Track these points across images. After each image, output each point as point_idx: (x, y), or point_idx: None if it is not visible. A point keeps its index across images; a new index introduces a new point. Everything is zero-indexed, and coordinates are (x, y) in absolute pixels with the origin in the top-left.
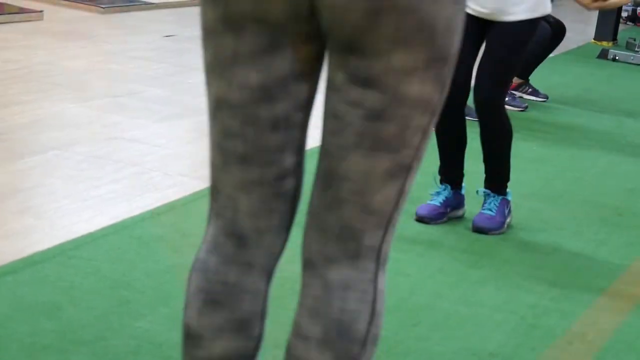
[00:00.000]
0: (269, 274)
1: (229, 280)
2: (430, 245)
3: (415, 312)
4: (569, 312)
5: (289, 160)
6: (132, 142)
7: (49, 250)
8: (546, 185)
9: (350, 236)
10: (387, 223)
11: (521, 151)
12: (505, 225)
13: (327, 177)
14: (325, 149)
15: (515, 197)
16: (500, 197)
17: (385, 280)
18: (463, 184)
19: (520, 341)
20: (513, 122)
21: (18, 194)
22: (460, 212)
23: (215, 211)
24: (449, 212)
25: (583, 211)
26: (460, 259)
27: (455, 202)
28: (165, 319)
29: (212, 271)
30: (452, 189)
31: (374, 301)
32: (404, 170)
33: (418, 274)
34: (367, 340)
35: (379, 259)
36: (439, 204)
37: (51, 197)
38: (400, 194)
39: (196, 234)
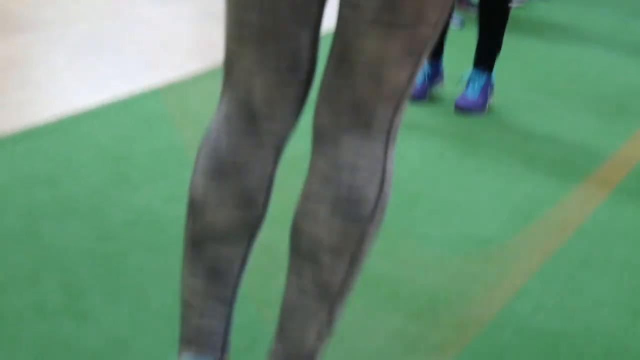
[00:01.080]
0: (277, 151)
1: (238, 153)
2: (429, 133)
3: (412, 197)
4: (565, 202)
5: (304, 38)
6: (135, 22)
7: (48, 124)
8: (547, 80)
9: (362, 110)
10: (399, 99)
11: (523, 48)
12: (487, 107)
13: (341, 54)
14: (340, 28)
15: (515, 91)
16: (484, 78)
17: (394, 159)
18: (442, 56)
19: (515, 229)
20: (517, 21)
21: (18, 67)
22: (438, 85)
23: (229, 87)
24: (430, 86)
25: (582, 106)
26: (458, 146)
27: (434, 74)
28: (164, 195)
29: (223, 143)
30: (431, 61)
31: (382, 177)
32: (420, 48)
33: (416, 160)
34: (374, 214)
35: (389, 134)
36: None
37: (52, 71)
38: (414, 71)
39: (196, 113)
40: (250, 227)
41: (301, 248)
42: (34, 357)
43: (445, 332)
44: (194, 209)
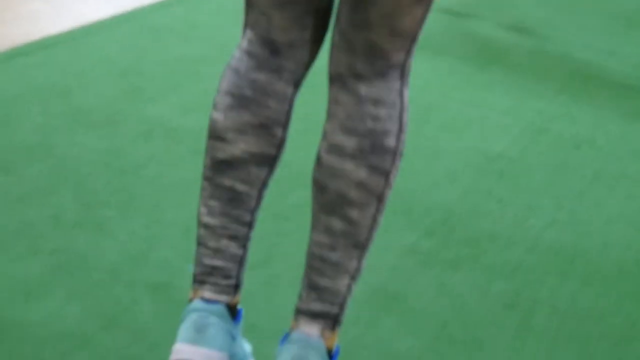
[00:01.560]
0: (297, 83)
1: (258, 82)
2: (439, 50)
3: (423, 113)
4: (577, 118)
5: None
6: None
7: (58, 35)
8: None
9: (377, 54)
10: (411, 42)
11: None
12: None
13: (355, 2)
14: None
15: (524, 5)
16: None
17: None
18: None
19: (527, 144)
20: None
21: None
22: None
23: (250, 21)
24: None
25: (593, 21)
26: (468, 63)
27: None
28: (176, 106)
29: (244, 72)
30: None
31: (401, 115)
32: None
33: (426, 75)
34: (397, 153)
35: (403, 74)
36: None
37: None
38: (426, 15)
39: (205, 25)
40: (269, 157)
41: (328, 203)
42: (51, 270)
43: (458, 248)
44: (215, 137)
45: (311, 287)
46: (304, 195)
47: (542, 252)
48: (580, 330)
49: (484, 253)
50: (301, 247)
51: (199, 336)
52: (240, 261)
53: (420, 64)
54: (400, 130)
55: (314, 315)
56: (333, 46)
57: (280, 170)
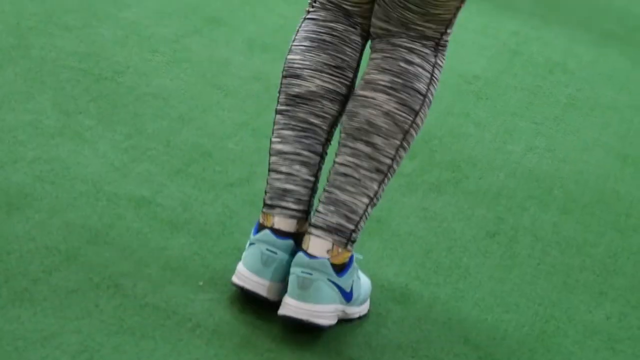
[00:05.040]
0: (366, 36)
1: (337, 30)
2: None
3: None
4: (550, 42)
5: None
6: None
7: None
8: None
9: (411, 30)
10: (446, 26)
11: None
12: None
13: None
14: None
15: None
16: None
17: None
18: None
19: (503, 67)
20: None
21: None
22: None
23: None
24: None
25: None
26: None
27: None
28: (150, 12)
29: (322, 21)
30: None
31: (433, 69)
32: None
33: None
34: (425, 98)
35: (438, 45)
36: None
37: None
38: (462, 5)
39: None
40: (341, 95)
41: (356, 129)
42: (32, 179)
43: (440, 172)
44: (291, 75)
45: (331, 201)
46: None
47: (522, 178)
48: (562, 260)
49: (465, 178)
50: None
51: (264, 269)
52: (312, 188)
53: None
54: (431, 82)
55: (329, 229)
56: (374, 12)
57: (258, 86)
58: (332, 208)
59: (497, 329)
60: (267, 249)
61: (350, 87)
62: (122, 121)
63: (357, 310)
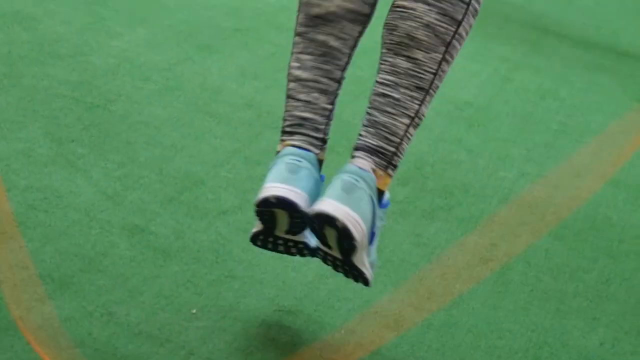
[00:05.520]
0: None
1: None
2: None
3: None
4: (540, 68)
5: None
6: None
7: None
8: None
9: None
10: None
11: None
12: None
13: None
14: None
15: None
16: None
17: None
18: None
19: (494, 93)
20: None
21: None
22: None
23: None
24: None
25: None
26: None
27: None
28: (142, 41)
29: None
30: None
31: None
32: None
33: None
34: (469, 6)
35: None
36: None
37: None
38: None
39: None
40: (363, 15)
41: (396, 44)
42: (25, 208)
43: (432, 199)
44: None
45: (371, 123)
46: (276, 139)
47: (514, 205)
48: (555, 286)
49: (458, 204)
50: None
51: (292, 177)
52: (329, 116)
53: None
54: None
55: (370, 151)
56: None
57: (250, 113)
58: (372, 130)
59: (491, 355)
60: (292, 159)
61: (373, 5)
62: (114, 149)
63: (367, 262)
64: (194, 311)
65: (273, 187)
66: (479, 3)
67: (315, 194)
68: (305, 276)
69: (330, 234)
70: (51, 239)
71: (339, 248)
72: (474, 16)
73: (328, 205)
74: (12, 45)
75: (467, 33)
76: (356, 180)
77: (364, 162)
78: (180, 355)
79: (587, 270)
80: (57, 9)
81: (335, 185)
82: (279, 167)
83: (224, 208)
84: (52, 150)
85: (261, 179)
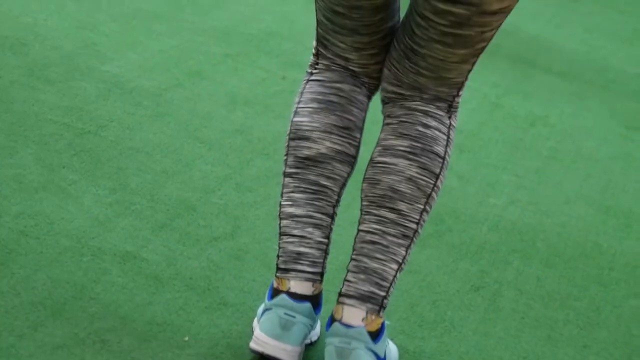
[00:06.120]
0: (370, 96)
1: (343, 90)
2: None
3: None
4: (530, 94)
5: (390, 23)
6: None
7: None
8: None
9: (424, 92)
10: (458, 88)
11: None
12: None
13: (407, 51)
14: (408, 30)
15: None
16: None
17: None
18: None
19: (484, 119)
20: None
21: None
22: None
23: (326, 55)
24: None
25: None
26: None
27: None
28: (133, 66)
29: (329, 82)
30: None
31: (449, 131)
32: (478, 54)
33: None
34: (444, 161)
35: (450, 107)
36: None
37: None
38: (473, 67)
39: None
40: (350, 157)
41: (379, 197)
42: (16, 234)
43: (424, 225)
44: (300, 138)
45: (360, 270)
46: (266, 165)
47: (504, 232)
48: (546, 313)
49: (449, 231)
50: (266, 219)
51: (284, 333)
52: (325, 250)
53: None
54: (448, 144)
55: (362, 297)
56: (383, 76)
57: (241, 139)
58: (362, 276)
59: None
60: (285, 313)
61: (358, 148)
62: (105, 175)
63: None
64: (186, 339)
65: (264, 342)
66: (449, 157)
67: (307, 337)
68: None
69: None
70: (43, 266)
71: None
72: (446, 169)
73: None
74: (2, 70)
75: (442, 184)
76: (347, 343)
77: (354, 313)
78: None
79: (577, 298)
80: (47, 34)
81: (330, 354)
82: (272, 319)
83: (215, 235)
84: (43, 176)
85: (252, 205)
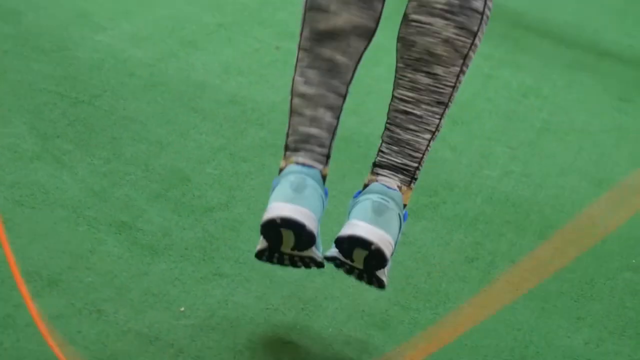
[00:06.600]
0: None
1: None
2: None
3: (373, 54)
4: (522, 66)
5: None
6: None
7: None
8: None
9: None
10: None
11: None
12: None
13: None
14: None
15: None
16: None
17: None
18: None
19: (476, 91)
20: None
21: None
22: None
23: None
24: None
25: None
26: None
27: None
28: (126, 35)
29: None
30: None
31: None
32: None
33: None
34: (483, 16)
35: None
36: None
37: None
38: None
39: None
40: (369, 30)
41: (415, 60)
42: (12, 204)
43: (418, 197)
44: (317, 9)
45: (393, 141)
46: (261, 135)
47: (498, 203)
48: (539, 286)
49: (443, 203)
50: (261, 189)
51: (297, 195)
52: (334, 131)
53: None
54: (485, 7)
55: (395, 169)
56: None
57: (235, 109)
58: (395, 148)
59: (477, 355)
60: (296, 177)
61: (379, 20)
62: (100, 145)
63: (387, 270)
64: (183, 309)
65: (278, 207)
66: (490, 9)
67: (320, 210)
68: (292, 274)
69: (360, 254)
70: (39, 236)
71: (364, 263)
72: (486, 23)
73: (361, 228)
74: None
75: (480, 41)
76: (386, 200)
77: (390, 181)
78: (169, 353)
79: (571, 270)
80: (40, 3)
81: (366, 206)
82: (284, 186)
83: (210, 205)
84: (37, 145)
85: (247, 176)
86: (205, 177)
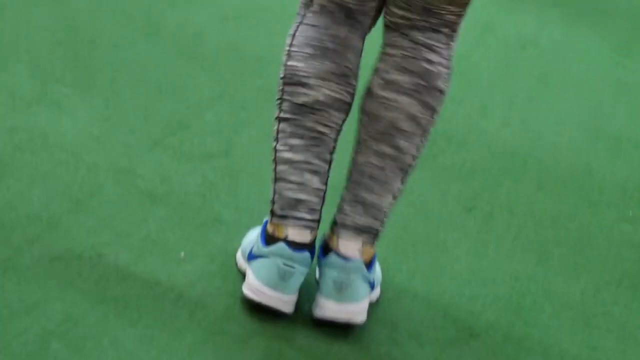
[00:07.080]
0: (364, 37)
1: (339, 37)
2: None
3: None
4: (520, 18)
5: None
6: None
7: None
8: None
9: (432, 14)
10: (465, 6)
11: None
12: None
13: None
14: None
15: None
16: None
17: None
18: None
19: (474, 41)
20: None
21: None
22: None
23: None
24: None
25: None
26: None
27: None
28: None
29: (323, 27)
30: None
31: (449, 64)
32: None
33: None
34: (444, 95)
35: (453, 31)
36: None
37: None
38: None
39: None
40: (346, 104)
41: (380, 133)
42: (11, 148)
43: None
44: (296, 83)
45: (358, 201)
46: (259, 83)
47: (496, 153)
48: (537, 235)
49: (441, 153)
50: (260, 137)
51: (281, 283)
52: (322, 197)
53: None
54: (449, 78)
55: (359, 230)
56: (390, 1)
57: (233, 56)
58: (360, 209)
59: (475, 303)
60: (285, 264)
61: (354, 95)
62: (98, 89)
63: (375, 295)
64: (182, 255)
65: (261, 293)
66: (449, 88)
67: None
68: None
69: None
70: (38, 180)
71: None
72: (444, 101)
73: (330, 311)
74: None
75: (438, 116)
76: (346, 275)
77: (351, 245)
78: (170, 298)
79: (568, 220)
80: None
81: (329, 284)
82: (270, 268)
83: (209, 152)
84: (36, 90)
85: (246, 124)
86: (204, 124)
